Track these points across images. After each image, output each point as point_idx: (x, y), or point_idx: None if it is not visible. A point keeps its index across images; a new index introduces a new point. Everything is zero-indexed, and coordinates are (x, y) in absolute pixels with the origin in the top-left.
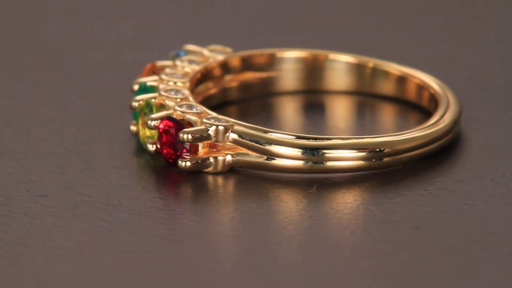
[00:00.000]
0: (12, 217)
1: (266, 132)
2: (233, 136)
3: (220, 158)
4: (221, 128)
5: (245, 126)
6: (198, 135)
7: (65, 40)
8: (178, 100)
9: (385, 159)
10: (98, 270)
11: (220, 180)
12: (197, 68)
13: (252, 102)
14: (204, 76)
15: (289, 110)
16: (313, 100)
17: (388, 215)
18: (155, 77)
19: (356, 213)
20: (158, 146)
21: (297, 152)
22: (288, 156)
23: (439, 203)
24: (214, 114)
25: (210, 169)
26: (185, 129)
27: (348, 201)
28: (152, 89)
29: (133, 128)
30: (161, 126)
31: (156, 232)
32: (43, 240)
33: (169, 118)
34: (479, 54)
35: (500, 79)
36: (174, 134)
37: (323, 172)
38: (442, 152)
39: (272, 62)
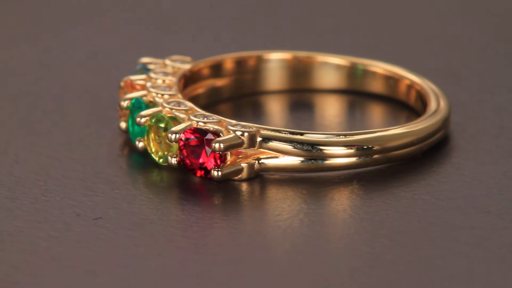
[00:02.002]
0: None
1: (293, 133)
2: (262, 141)
3: (249, 164)
4: (251, 134)
5: (271, 130)
6: (231, 143)
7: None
8: (183, 111)
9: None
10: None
11: (247, 186)
12: (178, 76)
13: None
14: (191, 80)
15: (276, 108)
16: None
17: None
18: (144, 91)
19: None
20: (181, 158)
21: (345, 150)
22: (324, 156)
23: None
24: (234, 121)
25: (239, 176)
26: (217, 139)
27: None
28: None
29: (141, 144)
30: (189, 138)
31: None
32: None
33: (196, 130)
34: (467, 53)
35: (488, 79)
36: (200, 144)
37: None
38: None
39: (259, 64)
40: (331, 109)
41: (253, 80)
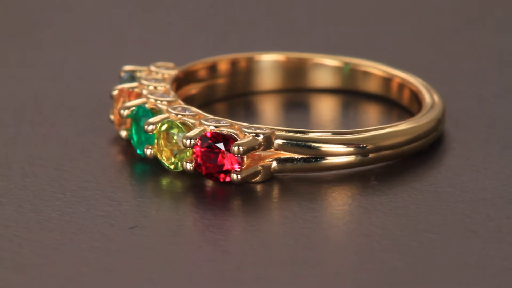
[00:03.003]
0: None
1: (306, 132)
2: (278, 142)
3: (265, 166)
4: (268, 136)
5: (286, 130)
6: (250, 146)
7: None
8: (191, 116)
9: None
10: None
11: (264, 187)
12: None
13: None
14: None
15: (270, 109)
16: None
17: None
18: (143, 99)
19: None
20: (197, 163)
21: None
22: (339, 154)
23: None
24: (246, 124)
25: (257, 178)
26: (237, 142)
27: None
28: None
29: (150, 152)
30: (206, 142)
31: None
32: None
33: (212, 134)
34: (460, 54)
35: (481, 76)
36: (218, 148)
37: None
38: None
39: (251, 66)
40: (324, 108)
41: (245, 81)
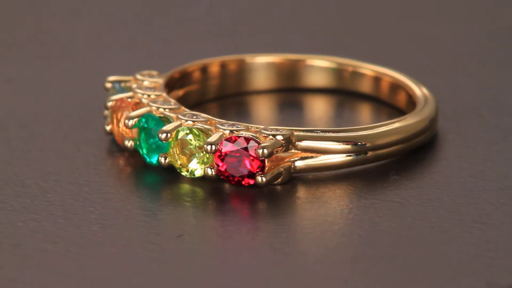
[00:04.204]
0: None
1: (325, 131)
2: (302, 143)
3: (286, 167)
4: (288, 137)
5: (304, 130)
6: (274, 148)
7: None
8: (204, 122)
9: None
10: None
11: (284, 188)
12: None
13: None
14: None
15: (263, 109)
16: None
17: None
18: (147, 108)
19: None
20: (219, 168)
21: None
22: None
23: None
24: (262, 126)
25: (279, 180)
26: (261, 144)
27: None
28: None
29: (165, 160)
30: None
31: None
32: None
33: (234, 138)
34: (453, 56)
35: (474, 79)
36: (241, 152)
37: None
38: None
39: (243, 68)
40: (318, 108)
41: (237, 82)
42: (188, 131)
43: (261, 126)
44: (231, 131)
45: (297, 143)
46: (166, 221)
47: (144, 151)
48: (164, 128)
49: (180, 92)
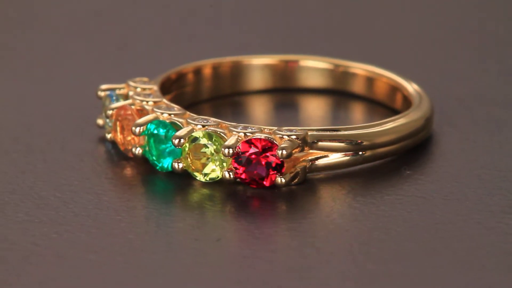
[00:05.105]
0: None
1: (338, 130)
2: (320, 143)
3: (302, 167)
4: (303, 137)
5: (317, 130)
6: (293, 149)
7: None
8: (216, 126)
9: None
10: None
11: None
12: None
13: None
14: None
15: (259, 109)
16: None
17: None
18: (153, 114)
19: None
20: (237, 171)
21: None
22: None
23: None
24: (275, 127)
25: (296, 180)
26: (281, 145)
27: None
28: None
29: (180, 165)
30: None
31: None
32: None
33: (252, 141)
34: (450, 58)
35: (469, 80)
36: (259, 154)
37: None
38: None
39: (240, 69)
40: (313, 108)
41: (231, 83)
42: (202, 135)
43: (274, 128)
44: (245, 134)
45: (316, 142)
46: (197, 226)
47: (153, 158)
48: (177, 133)
49: (172, 95)
